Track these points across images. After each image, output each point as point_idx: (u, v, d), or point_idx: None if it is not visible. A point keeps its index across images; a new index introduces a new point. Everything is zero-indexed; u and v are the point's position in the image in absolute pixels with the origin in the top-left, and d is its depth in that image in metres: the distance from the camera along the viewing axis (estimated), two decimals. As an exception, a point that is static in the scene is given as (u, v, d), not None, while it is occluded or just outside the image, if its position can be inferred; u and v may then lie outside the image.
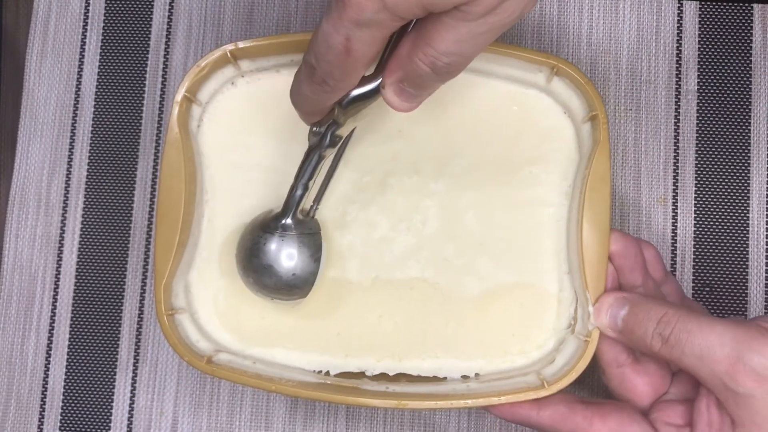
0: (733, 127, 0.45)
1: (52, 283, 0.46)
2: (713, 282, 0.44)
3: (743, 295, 0.44)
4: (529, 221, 0.40)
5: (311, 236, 0.39)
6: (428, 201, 0.41)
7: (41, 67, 0.47)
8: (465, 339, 0.40)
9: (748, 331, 0.32)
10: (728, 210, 0.44)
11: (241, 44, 0.39)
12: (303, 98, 0.33)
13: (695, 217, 0.44)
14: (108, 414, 0.45)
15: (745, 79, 0.45)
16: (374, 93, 0.33)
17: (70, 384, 0.45)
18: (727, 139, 0.45)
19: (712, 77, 0.45)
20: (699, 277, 0.44)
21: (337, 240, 0.41)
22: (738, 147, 0.45)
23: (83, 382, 0.45)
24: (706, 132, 0.45)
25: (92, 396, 0.45)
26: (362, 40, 0.29)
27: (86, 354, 0.45)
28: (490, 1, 0.28)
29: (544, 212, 0.40)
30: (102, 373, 0.45)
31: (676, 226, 0.44)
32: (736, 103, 0.45)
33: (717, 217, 0.44)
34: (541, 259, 0.40)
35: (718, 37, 0.45)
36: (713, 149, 0.45)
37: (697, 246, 0.44)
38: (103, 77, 0.47)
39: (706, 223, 0.44)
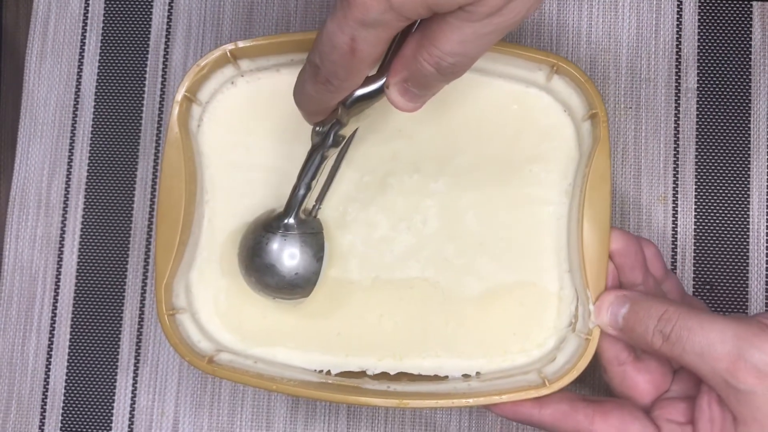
0: (732, 124, 0.45)
1: (52, 284, 0.46)
2: (714, 279, 0.44)
3: (744, 292, 0.44)
4: (530, 220, 0.40)
5: (314, 236, 0.39)
6: (428, 200, 0.41)
7: (41, 68, 0.47)
8: (465, 338, 0.40)
9: (749, 327, 0.32)
10: (728, 207, 0.44)
11: (241, 44, 0.39)
12: (307, 98, 0.33)
13: (695, 214, 0.44)
14: (109, 414, 0.45)
15: (744, 76, 0.45)
16: (378, 93, 0.33)
17: (70, 384, 0.45)
18: (727, 137, 0.45)
19: (712, 75, 0.45)
20: (699, 275, 0.44)
21: (337, 240, 0.41)
22: (738, 144, 0.45)
23: (84, 382, 0.45)
24: (705, 130, 0.45)
25: (93, 396, 0.45)
26: (367, 40, 0.28)
27: (87, 354, 0.45)
28: (495, 2, 0.28)
29: (545, 211, 0.40)
30: (103, 373, 0.45)
31: (676, 224, 0.44)
32: (736, 100, 0.45)
33: (717, 214, 0.44)
34: (541, 257, 0.40)
35: (718, 34, 0.45)
36: (713, 147, 0.45)
37: (698, 244, 0.44)
38: (102, 77, 0.47)
39: (706, 220, 0.44)
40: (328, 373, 0.40)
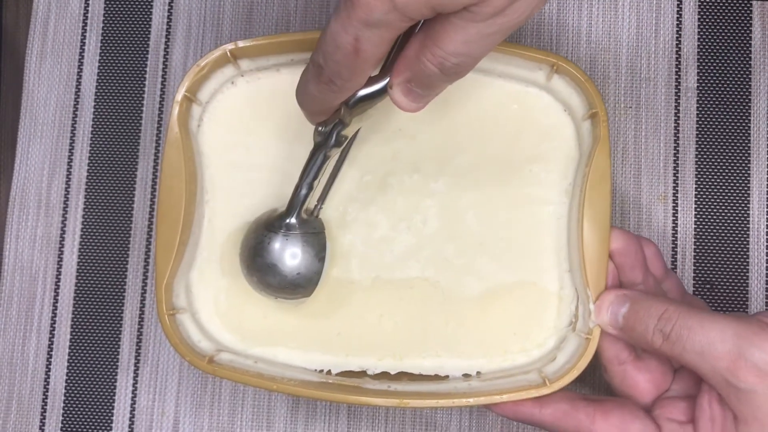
0: (732, 123, 0.45)
1: (52, 284, 0.46)
2: (714, 279, 0.44)
3: (744, 291, 0.44)
4: (530, 220, 0.40)
5: (315, 236, 0.39)
6: (428, 200, 0.41)
7: (41, 68, 0.47)
8: (466, 338, 0.40)
9: (749, 326, 0.32)
10: (728, 207, 0.44)
11: (241, 43, 0.39)
12: (309, 98, 0.33)
13: (695, 214, 0.44)
14: (109, 414, 0.45)
15: (744, 75, 0.45)
16: (381, 93, 0.33)
17: (71, 384, 0.45)
18: (727, 136, 0.45)
19: (712, 74, 0.45)
20: (700, 275, 0.44)
21: (338, 239, 0.41)
22: (738, 144, 0.45)
23: (84, 382, 0.45)
24: (706, 129, 0.45)
25: (93, 396, 0.45)
26: (371, 40, 0.28)
27: (87, 354, 0.45)
28: (499, 2, 0.28)
29: (545, 210, 0.40)
30: (103, 373, 0.45)
31: (676, 224, 0.44)
32: (736, 99, 0.45)
33: (717, 214, 0.44)
34: (541, 257, 0.40)
35: (718, 34, 0.45)
36: (713, 146, 0.45)
37: (698, 243, 0.44)
38: (102, 77, 0.47)
39: (706, 220, 0.44)
40: (329, 372, 0.40)
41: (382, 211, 0.41)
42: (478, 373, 0.40)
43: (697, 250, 0.44)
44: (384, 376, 0.40)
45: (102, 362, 0.45)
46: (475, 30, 0.28)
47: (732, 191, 0.44)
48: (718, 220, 0.44)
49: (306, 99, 0.33)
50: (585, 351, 0.37)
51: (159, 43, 0.47)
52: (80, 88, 0.47)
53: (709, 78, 0.45)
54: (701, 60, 0.45)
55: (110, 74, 0.47)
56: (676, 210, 0.45)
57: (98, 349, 0.45)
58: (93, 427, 0.45)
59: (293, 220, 0.39)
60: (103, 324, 0.46)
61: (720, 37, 0.45)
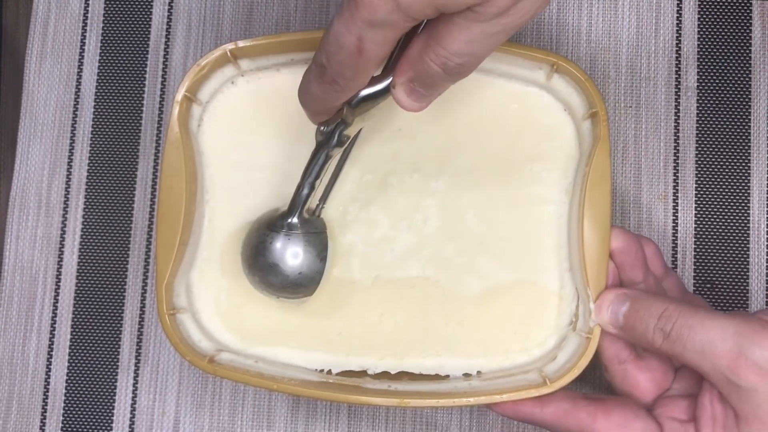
0: (733, 123, 0.45)
1: (53, 284, 0.46)
2: (714, 278, 0.44)
3: (744, 291, 0.44)
4: (530, 219, 0.40)
5: (317, 235, 0.39)
6: (429, 200, 0.41)
7: (41, 68, 0.47)
8: (466, 337, 0.40)
9: (749, 324, 0.32)
10: (729, 206, 0.44)
11: (241, 43, 0.39)
12: (312, 97, 0.33)
13: (696, 213, 0.44)
14: (110, 414, 0.45)
15: (744, 75, 0.45)
16: (383, 93, 0.33)
17: (71, 384, 0.45)
18: (727, 136, 0.45)
19: (712, 74, 0.45)
20: (700, 274, 0.44)
21: (338, 239, 0.41)
22: (738, 143, 0.45)
23: (85, 382, 0.45)
24: (706, 128, 0.45)
25: (94, 396, 0.45)
26: (374, 40, 0.28)
27: (88, 354, 0.45)
28: (503, 2, 0.28)
29: (545, 210, 0.40)
30: (103, 373, 0.45)
31: (676, 223, 0.45)
32: (736, 99, 0.45)
33: (717, 213, 0.44)
34: (541, 256, 0.40)
35: (718, 33, 0.45)
36: (713, 146, 0.45)
37: (698, 243, 0.44)
38: (102, 77, 0.47)
39: (706, 219, 0.44)
40: (329, 372, 0.40)
41: (382, 210, 0.41)
42: (479, 372, 0.40)
43: (698, 250, 0.44)
44: (384, 375, 0.40)
45: (102, 362, 0.45)
46: (478, 30, 0.28)
47: (732, 190, 0.44)
48: (718, 219, 0.44)
49: (308, 99, 0.33)
50: (585, 350, 0.37)
51: (159, 43, 0.47)
52: (80, 88, 0.47)
53: (709, 77, 0.45)
54: (701, 59, 0.45)
55: (110, 74, 0.47)
56: (677, 209, 0.45)
57: (99, 349, 0.45)
58: (93, 427, 0.45)
59: (295, 220, 0.39)
60: (103, 324, 0.46)
61: (720, 37, 0.45)
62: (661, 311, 0.34)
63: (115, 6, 0.47)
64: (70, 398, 0.45)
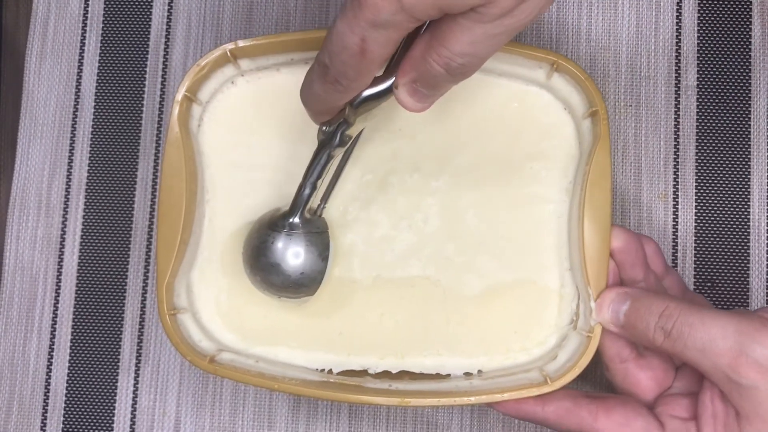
0: (733, 121, 0.45)
1: (53, 285, 0.46)
2: (714, 276, 0.44)
3: (745, 289, 0.44)
4: (530, 218, 0.40)
5: (319, 235, 0.39)
6: (429, 199, 0.41)
7: (41, 68, 0.47)
8: (467, 336, 0.40)
9: (750, 322, 0.32)
10: (729, 204, 0.44)
11: (241, 43, 0.39)
12: (314, 97, 0.33)
13: (696, 212, 0.44)
14: (110, 414, 0.45)
15: (744, 73, 0.45)
16: (385, 93, 0.33)
17: (72, 385, 0.45)
18: (727, 134, 0.45)
19: (712, 72, 0.45)
20: (700, 273, 0.44)
21: (338, 239, 0.41)
22: (738, 142, 0.45)
23: (85, 382, 0.45)
24: (706, 127, 0.45)
25: (95, 396, 0.45)
26: (378, 41, 0.28)
27: (88, 355, 0.45)
28: (507, 3, 0.28)
29: (545, 209, 0.40)
30: (104, 373, 0.45)
31: (677, 222, 0.45)
32: (736, 97, 0.45)
33: (718, 211, 0.44)
34: (542, 255, 0.40)
35: (718, 31, 0.45)
36: (713, 144, 0.45)
37: (698, 241, 0.44)
38: (102, 77, 0.47)
39: (706, 218, 0.44)
40: (330, 372, 0.40)
41: (382, 210, 0.41)
42: (480, 371, 0.40)
43: (698, 248, 0.44)
44: (385, 375, 0.40)
45: (103, 362, 0.45)
46: (481, 30, 0.28)
47: (732, 189, 0.44)
48: (718, 218, 0.44)
49: (311, 98, 0.33)
50: (586, 349, 0.37)
51: (159, 43, 0.47)
52: (80, 88, 0.47)
53: (709, 76, 0.45)
54: (701, 58, 0.45)
55: (110, 74, 0.47)
56: (677, 208, 0.45)
57: (99, 349, 0.45)
58: (94, 427, 0.45)
59: (297, 220, 0.39)
60: (103, 324, 0.46)
61: (720, 35, 0.45)
62: (662, 310, 0.34)
63: (114, 6, 0.47)
64: (70, 399, 0.45)
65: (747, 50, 0.45)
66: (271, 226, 0.39)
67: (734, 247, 0.44)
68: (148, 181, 0.46)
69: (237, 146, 0.41)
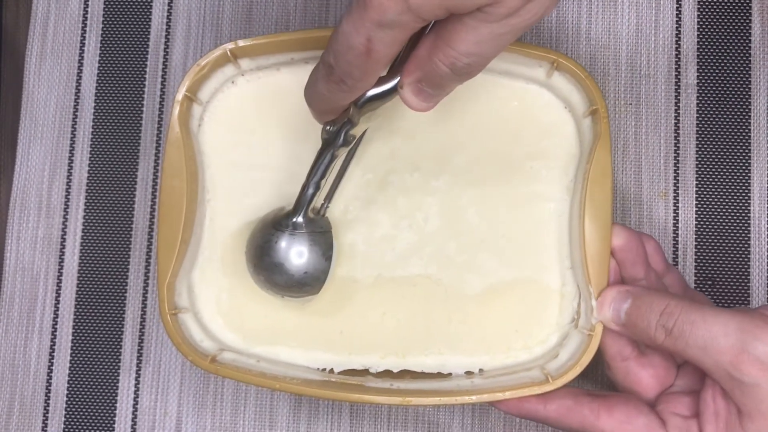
0: (733, 120, 0.45)
1: (54, 285, 0.46)
2: (715, 274, 0.44)
3: (745, 287, 0.44)
4: (531, 217, 0.40)
5: (322, 234, 0.39)
6: (429, 198, 0.41)
7: (41, 69, 0.47)
8: (468, 335, 0.40)
9: (752, 320, 0.32)
10: (729, 203, 0.44)
11: (241, 43, 0.39)
12: (319, 97, 0.33)
13: (696, 210, 0.45)
14: (112, 414, 0.45)
15: (744, 72, 0.45)
16: (390, 93, 0.33)
17: (73, 385, 0.45)
18: (728, 133, 0.45)
19: (712, 71, 0.45)
20: (701, 271, 0.44)
21: (339, 238, 0.41)
22: (738, 140, 0.45)
23: (86, 383, 0.45)
24: (706, 125, 0.45)
25: (96, 397, 0.45)
26: (383, 41, 0.28)
27: (89, 355, 0.45)
28: (513, 3, 0.28)
29: (546, 208, 0.40)
30: (105, 373, 0.45)
31: (677, 220, 0.45)
32: (736, 96, 0.45)
33: (718, 210, 0.44)
34: (542, 254, 0.40)
35: (717, 30, 0.45)
36: (713, 143, 0.45)
37: (699, 239, 0.44)
38: (102, 78, 0.47)
39: (707, 216, 0.44)
40: (331, 371, 0.40)
41: (383, 209, 0.41)
42: (481, 370, 0.40)
43: (698, 246, 0.44)
44: (386, 374, 0.40)
45: (104, 362, 0.45)
46: (487, 30, 0.28)
47: (733, 186, 0.44)
48: (718, 216, 0.44)
49: (315, 98, 0.33)
50: (587, 347, 0.37)
51: (159, 43, 0.47)
52: (80, 88, 0.47)
53: (709, 74, 0.45)
54: (701, 56, 0.45)
55: (110, 74, 0.47)
56: (677, 206, 0.45)
57: (100, 349, 0.45)
58: (95, 427, 0.45)
59: (300, 219, 0.39)
60: (104, 324, 0.46)
61: (720, 34, 0.45)
62: (663, 308, 0.34)
63: (114, 6, 0.47)
64: (72, 399, 0.45)
65: (747, 48, 0.45)
66: (274, 226, 0.39)
67: (735, 245, 0.44)
68: (148, 181, 0.46)
69: (237, 146, 0.41)
